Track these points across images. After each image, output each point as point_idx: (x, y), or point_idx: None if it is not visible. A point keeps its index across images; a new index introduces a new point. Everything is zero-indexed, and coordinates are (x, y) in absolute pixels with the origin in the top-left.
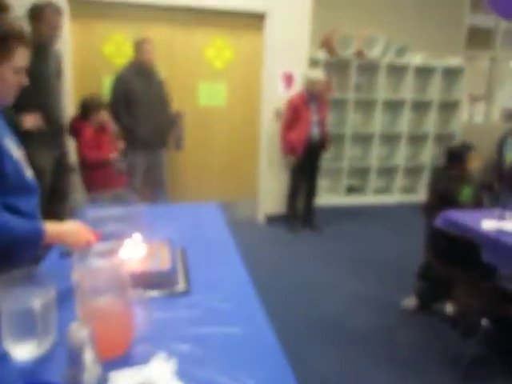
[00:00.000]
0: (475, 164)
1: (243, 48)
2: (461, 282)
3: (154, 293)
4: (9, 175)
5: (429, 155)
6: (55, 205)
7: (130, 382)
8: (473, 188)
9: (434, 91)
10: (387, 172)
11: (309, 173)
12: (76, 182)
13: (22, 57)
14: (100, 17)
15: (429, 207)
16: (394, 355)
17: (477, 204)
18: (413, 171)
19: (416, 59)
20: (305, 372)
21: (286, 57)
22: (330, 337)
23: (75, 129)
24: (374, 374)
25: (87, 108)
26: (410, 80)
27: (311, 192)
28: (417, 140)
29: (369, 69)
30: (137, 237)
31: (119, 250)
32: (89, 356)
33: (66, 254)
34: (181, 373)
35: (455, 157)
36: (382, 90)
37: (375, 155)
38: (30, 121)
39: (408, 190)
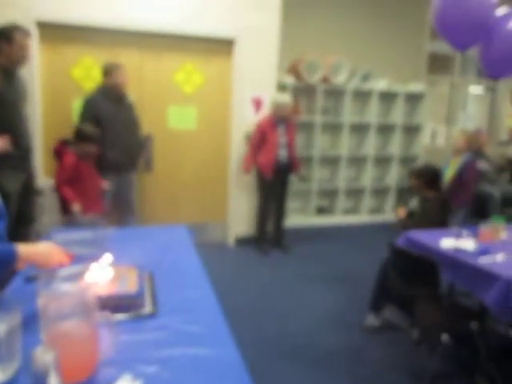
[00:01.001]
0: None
1: (213, 73)
2: (421, 300)
3: (121, 316)
4: None
5: (394, 177)
6: (21, 228)
7: None
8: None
9: (398, 115)
10: (355, 193)
11: (278, 194)
12: (44, 204)
13: None
14: (69, 40)
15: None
16: (359, 373)
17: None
18: (379, 192)
19: (380, 85)
20: None
21: (255, 82)
22: (297, 356)
23: (57, 152)
24: None
25: (82, 136)
26: (374, 104)
27: (280, 213)
28: (382, 162)
29: (335, 93)
30: (104, 260)
31: (85, 273)
32: (53, 381)
33: (31, 278)
34: None
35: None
36: (348, 114)
37: (343, 177)
38: None
39: (375, 210)
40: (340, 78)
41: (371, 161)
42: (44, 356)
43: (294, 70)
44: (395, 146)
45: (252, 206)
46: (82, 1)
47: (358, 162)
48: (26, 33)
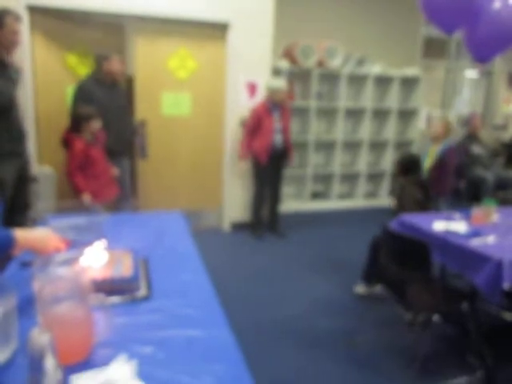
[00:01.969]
0: None
1: (206, 58)
2: (413, 282)
3: (116, 299)
4: None
5: (389, 161)
6: (17, 215)
7: (90, 383)
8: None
9: (393, 100)
10: (350, 178)
11: (273, 180)
12: (39, 191)
13: None
14: (62, 25)
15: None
16: (352, 355)
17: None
18: (374, 177)
19: (375, 69)
20: (268, 374)
21: (249, 66)
22: (291, 339)
23: (66, 141)
24: (333, 374)
25: (78, 119)
26: (369, 89)
27: (275, 199)
28: (377, 147)
29: (330, 78)
30: (99, 245)
31: (80, 258)
32: (50, 362)
33: (26, 263)
34: (142, 373)
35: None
36: (343, 99)
37: (338, 162)
38: None
39: (370, 195)
40: (335, 63)
41: (366, 145)
42: (40, 338)
43: (288, 55)
44: (390, 131)
45: (247, 192)
46: None
47: (353, 146)
48: (16, 17)
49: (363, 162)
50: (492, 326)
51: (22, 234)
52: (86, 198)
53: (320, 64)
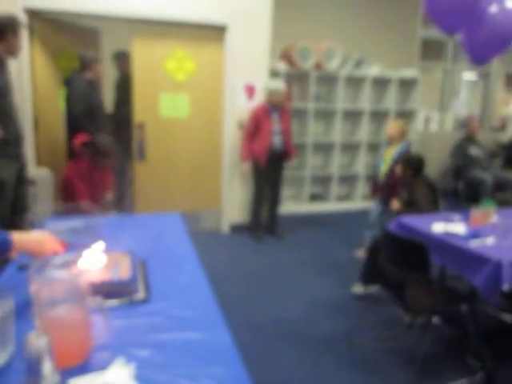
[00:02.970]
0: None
1: (204, 60)
2: (412, 284)
3: (114, 302)
4: None
5: None
6: (15, 217)
7: None
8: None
9: (391, 101)
10: (348, 180)
11: (272, 182)
12: (37, 194)
13: None
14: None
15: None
16: (351, 357)
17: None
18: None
19: (373, 71)
20: (267, 376)
21: (247, 68)
22: (293, 341)
23: (73, 151)
24: (334, 376)
25: (98, 149)
26: (367, 91)
27: (275, 200)
28: (376, 148)
29: (328, 80)
30: (97, 247)
31: (78, 260)
32: (47, 365)
33: (23, 266)
34: (140, 377)
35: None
36: (341, 101)
37: (336, 164)
38: None
39: (369, 196)
40: (333, 64)
41: (364, 147)
42: (37, 341)
43: (286, 56)
44: None
45: (246, 194)
46: None
47: (351, 148)
48: (24, 25)
49: (361, 164)
50: (491, 327)
51: (18, 237)
52: (85, 205)
53: (318, 66)
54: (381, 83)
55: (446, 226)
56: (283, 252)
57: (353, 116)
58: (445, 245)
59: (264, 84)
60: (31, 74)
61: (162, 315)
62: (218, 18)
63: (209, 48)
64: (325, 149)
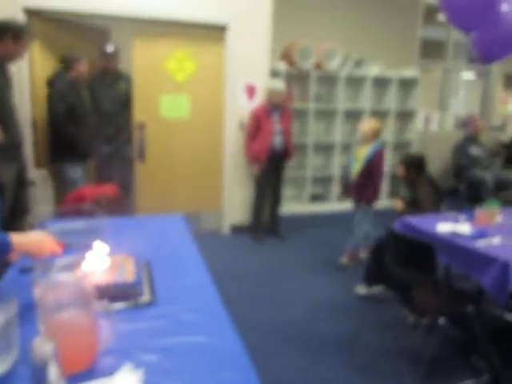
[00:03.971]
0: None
1: (205, 60)
2: (418, 285)
3: (119, 305)
4: None
5: (389, 163)
6: (15, 219)
7: None
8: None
9: (391, 101)
10: None
11: (273, 182)
12: (37, 195)
13: None
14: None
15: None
16: (357, 358)
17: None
18: None
19: (373, 70)
20: (271, 378)
21: (248, 68)
22: (296, 343)
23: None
24: (338, 377)
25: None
26: (367, 90)
27: (276, 201)
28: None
29: (328, 80)
30: (100, 249)
31: (82, 263)
32: (53, 371)
33: (26, 269)
34: (148, 383)
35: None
36: (342, 100)
37: (337, 164)
38: None
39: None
40: (333, 64)
41: None
42: (43, 346)
43: (286, 56)
44: (389, 132)
45: (247, 194)
46: None
47: (352, 148)
48: (30, 34)
49: None
50: (498, 327)
51: (17, 238)
52: (87, 207)
53: (318, 66)
54: (381, 83)
55: (452, 226)
56: (285, 253)
57: (353, 116)
58: (451, 245)
59: (264, 84)
60: (30, 74)
61: (169, 318)
62: (218, 18)
63: (209, 48)
64: (325, 149)
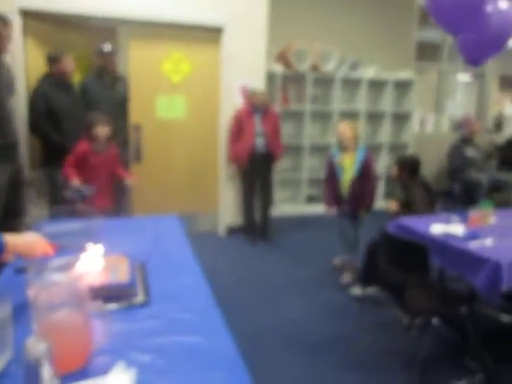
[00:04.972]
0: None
1: (201, 61)
2: (412, 285)
3: (113, 305)
4: None
5: (384, 165)
6: (11, 221)
7: None
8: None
9: (387, 103)
10: None
11: (262, 184)
12: (33, 197)
13: None
14: (55, 30)
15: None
16: (351, 359)
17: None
18: None
19: (369, 73)
20: (265, 379)
21: (244, 70)
22: (291, 344)
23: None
24: (333, 379)
25: (88, 122)
26: (363, 92)
27: (266, 203)
28: (372, 150)
29: (324, 82)
30: (95, 250)
31: (76, 263)
32: (47, 371)
33: (21, 270)
34: (141, 382)
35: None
36: (338, 102)
37: None
38: None
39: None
40: (329, 66)
41: None
42: (37, 346)
43: (282, 58)
44: (385, 134)
45: (241, 196)
46: None
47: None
48: (5, 22)
49: None
50: (491, 328)
51: (10, 239)
52: (76, 182)
53: (314, 67)
54: (377, 85)
55: (445, 227)
56: (280, 254)
57: (349, 118)
58: (444, 246)
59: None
60: (25, 76)
61: (162, 319)
62: (214, 19)
63: (205, 49)
64: (321, 150)
